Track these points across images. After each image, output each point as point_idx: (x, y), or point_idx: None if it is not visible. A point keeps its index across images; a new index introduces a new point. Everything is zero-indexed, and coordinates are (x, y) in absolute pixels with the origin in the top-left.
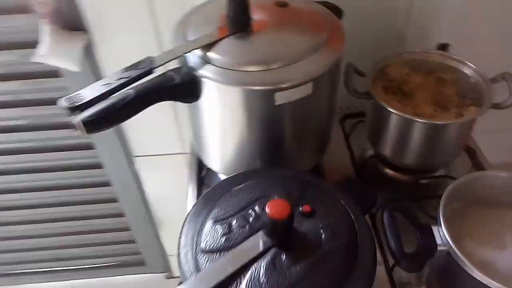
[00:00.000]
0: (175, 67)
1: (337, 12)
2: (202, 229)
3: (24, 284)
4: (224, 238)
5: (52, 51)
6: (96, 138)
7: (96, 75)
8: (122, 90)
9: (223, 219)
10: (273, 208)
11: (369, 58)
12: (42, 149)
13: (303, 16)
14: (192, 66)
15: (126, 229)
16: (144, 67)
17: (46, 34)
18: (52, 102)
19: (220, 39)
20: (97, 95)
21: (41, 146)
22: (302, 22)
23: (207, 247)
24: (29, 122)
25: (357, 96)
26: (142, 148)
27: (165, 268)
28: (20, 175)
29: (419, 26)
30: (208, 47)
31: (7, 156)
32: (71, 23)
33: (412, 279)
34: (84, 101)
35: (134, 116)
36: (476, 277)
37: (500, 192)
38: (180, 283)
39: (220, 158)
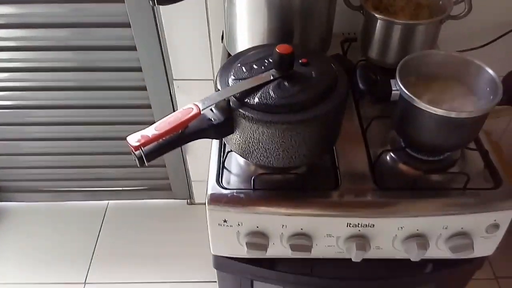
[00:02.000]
0: None
1: None
2: (232, 68)
3: (65, 201)
4: (247, 72)
5: None
6: (143, 61)
7: None
8: None
9: (247, 63)
10: (281, 47)
11: None
12: (96, 69)
13: None
14: None
15: None
16: None
17: None
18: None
19: None
20: None
21: (95, 66)
22: None
23: (235, 76)
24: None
25: (352, 8)
26: (180, 72)
27: (188, 195)
28: (69, 92)
29: None
30: None
31: (60, 72)
32: None
33: (379, 141)
34: None
35: (176, 42)
36: (423, 108)
37: (440, 66)
38: None
39: (246, 46)
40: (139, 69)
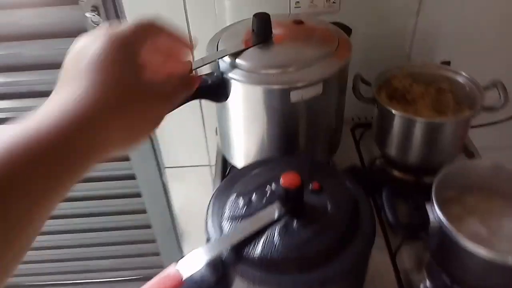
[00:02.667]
0: (208, 72)
1: (347, 30)
2: (226, 202)
3: None
4: (244, 208)
5: None
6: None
7: None
8: None
9: (244, 194)
10: (286, 179)
11: (376, 71)
12: None
13: (316, 31)
14: (222, 70)
15: (152, 241)
16: None
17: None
18: None
19: (246, 49)
20: None
21: None
22: (314, 36)
23: (230, 214)
24: None
25: (364, 101)
26: (172, 160)
27: None
28: None
29: (422, 46)
30: (235, 55)
31: None
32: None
33: (413, 266)
34: None
35: (167, 129)
36: (468, 247)
37: (484, 178)
38: None
39: (242, 153)
40: (126, 158)
